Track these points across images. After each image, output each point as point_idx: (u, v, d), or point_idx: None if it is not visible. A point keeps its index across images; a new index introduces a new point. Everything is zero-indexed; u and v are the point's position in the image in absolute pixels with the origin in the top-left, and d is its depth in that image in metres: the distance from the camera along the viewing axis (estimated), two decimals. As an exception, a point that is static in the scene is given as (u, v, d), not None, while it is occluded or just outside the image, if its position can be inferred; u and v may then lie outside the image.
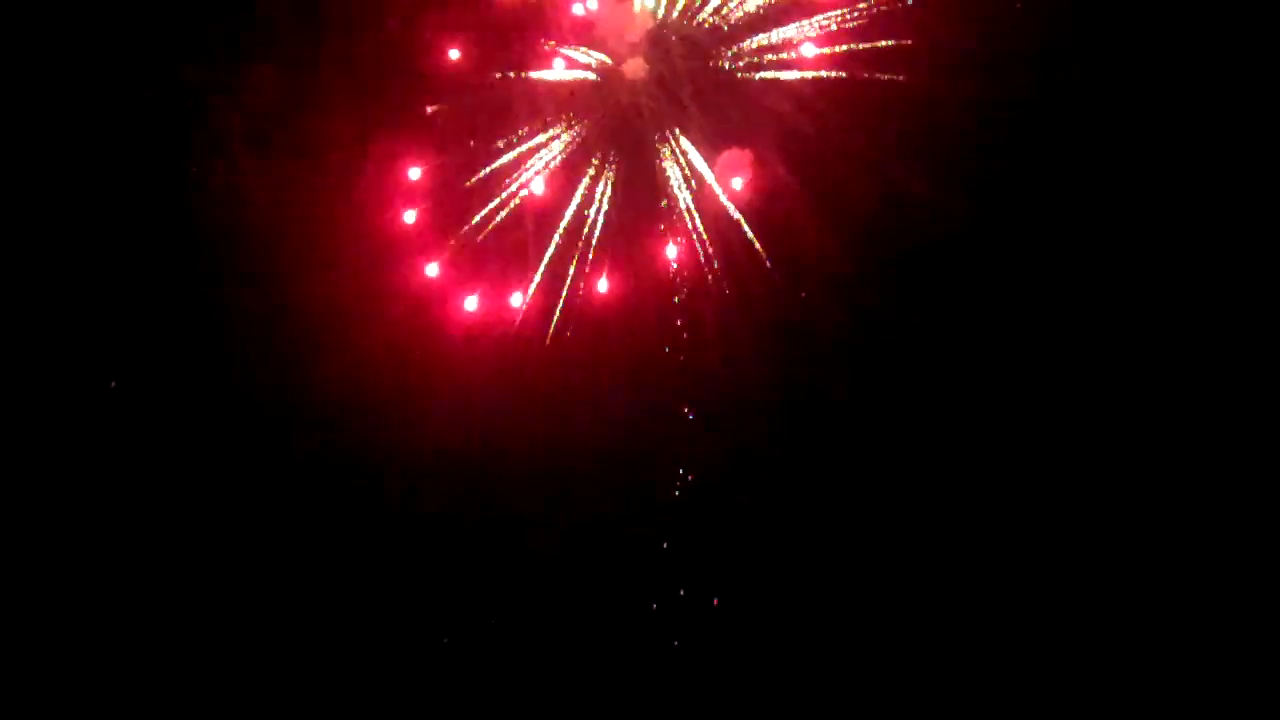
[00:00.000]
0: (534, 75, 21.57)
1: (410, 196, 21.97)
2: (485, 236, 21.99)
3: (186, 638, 20.73)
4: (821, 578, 19.92)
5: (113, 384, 21.89)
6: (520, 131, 21.63)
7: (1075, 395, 18.81)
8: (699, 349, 21.79)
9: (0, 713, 18.75)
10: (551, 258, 21.90)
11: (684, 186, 21.42)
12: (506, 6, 21.43)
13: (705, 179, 21.29)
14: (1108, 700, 17.58)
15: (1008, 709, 17.90)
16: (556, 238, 21.82)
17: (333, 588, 21.89)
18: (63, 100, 21.67)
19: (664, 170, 21.58)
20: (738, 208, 21.05)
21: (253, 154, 22.29)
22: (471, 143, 21.76)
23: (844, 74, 20.42)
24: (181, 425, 22.07)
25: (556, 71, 21.59)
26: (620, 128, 21.65)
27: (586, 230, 21.77)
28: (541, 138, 21.78)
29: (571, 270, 21.89)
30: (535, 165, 21.78)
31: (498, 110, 21.71)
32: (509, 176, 21.82)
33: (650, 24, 21.32)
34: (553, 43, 21.38)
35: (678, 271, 21.60)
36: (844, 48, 20.37)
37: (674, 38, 21.40)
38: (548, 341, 21.92)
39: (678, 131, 21.50)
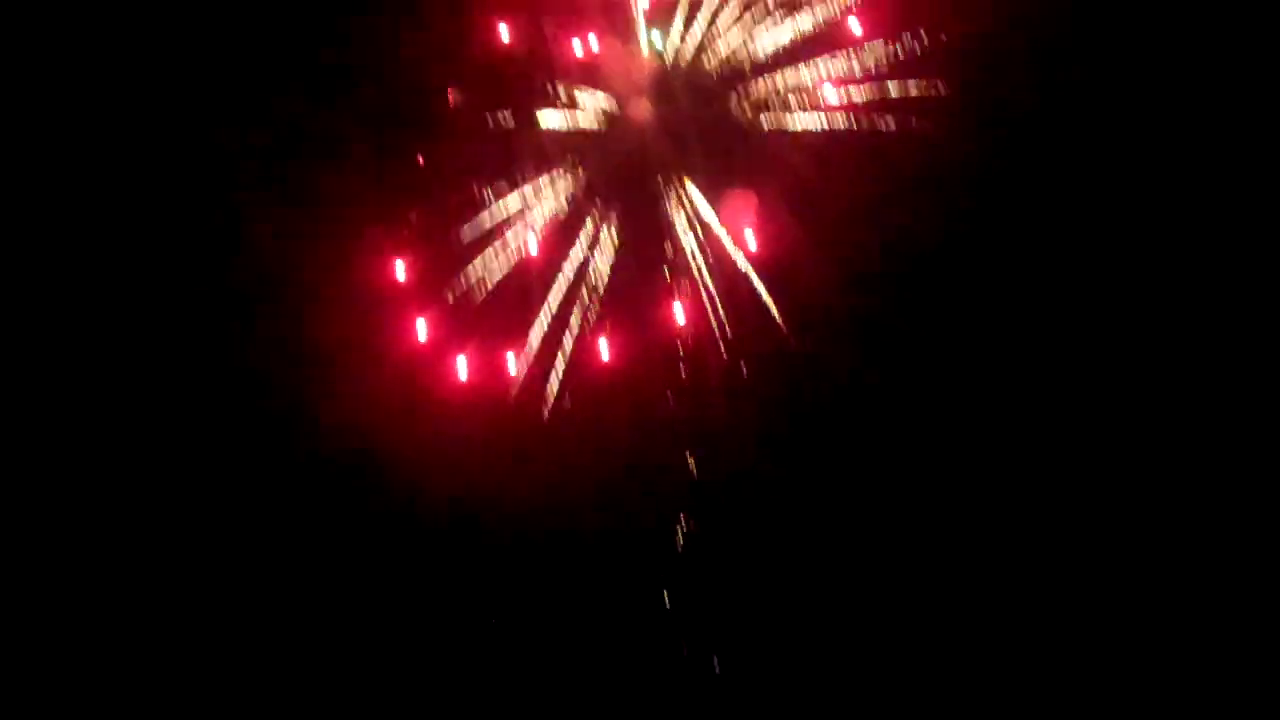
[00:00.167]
0: (535, 119, 20.10)
1: (400, 248, 20.49)
2: (479, 293, 20.25)
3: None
4: (825, 651, 19.19)
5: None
6: (519, 178, 20.22)
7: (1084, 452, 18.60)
8: (705, 418, 20.10)
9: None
10: (549, 316, 20.06)
11: (690, 237, 19.68)
12: (507, 49, 20.12)
13: (713, 229, 19.52)
14: (1107, 700, 17.52)
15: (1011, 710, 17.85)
16: (555, 294, 20.03)
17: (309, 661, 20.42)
18: (67, 139, 20.77)
19: (669, 219, 19.90)
20: (747, 259, 19.19)
21: (251, 200, 20.93)
22: (466, 190, 20.34)
23: (854, 120, 19.51)
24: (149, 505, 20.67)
25: (559, 116, 20.09)
26: (624, 174, 20.11)
27: (587, 286, 19.99)
28: (542, 184, 20.25)
29: (571, 330, 19.95)
30: (535, 215, 20.19)
31: (496, 156, 20.34)
32: (506, 227, 20.32)
33: (655, 67, 19.85)
34: (556, 86, 19.94)
35: (683, 331, 19.65)
36: (853, 93, 19.57)
37: (680, 82, 20.15)
38: (545, 412, 19.93)
39: (685, 179, 19.78)
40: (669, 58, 20.18)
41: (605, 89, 20.20)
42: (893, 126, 19.28)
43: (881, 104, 19.34)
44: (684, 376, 20.09)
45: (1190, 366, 18.34)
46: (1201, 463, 17.95)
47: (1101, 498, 18.33)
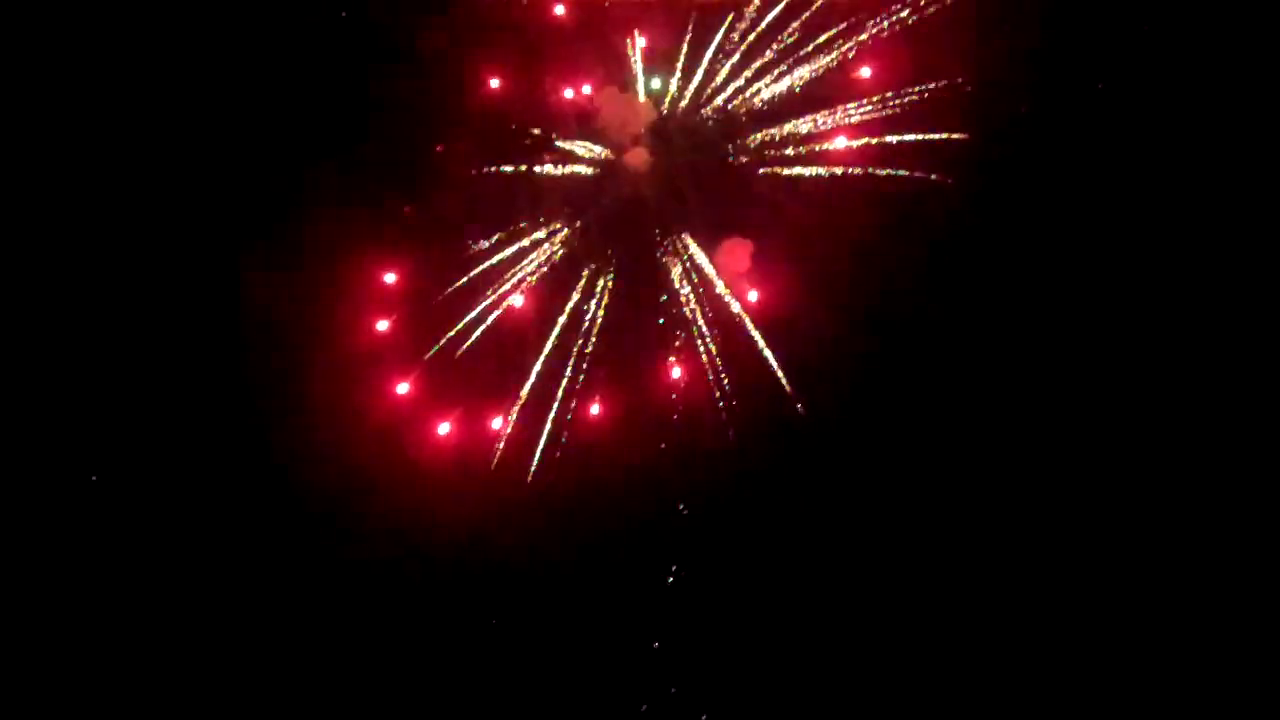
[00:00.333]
0: (530, 168, 19.20)
1: (387, 299, 19.46)
2: (466, 349, 19.08)
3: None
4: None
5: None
6: (511, 229, 19.24)
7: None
8: (700, 482, 18.72)
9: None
10: (539, 374, 18.97)
11: (688, 289, 18.53)
12: (503, 97, 19.34)
13: (710, 280, 18.43)
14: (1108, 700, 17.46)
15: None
16: (545, 348, 18.88)
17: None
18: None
19: (666, 271, 18.87)
20: (746, 312, 18.02)
21: (241, 252, 19.97)
22: (456, 242, 19.38)
23: (855, 170, 18.74)
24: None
25: (554, 164, 19.20)
26: (620, 224, 19.10)
27: (579, 340, 18.78)
28: (537, 236, 19.31)
29: (560, 387, 18.72)
30: (526, 269, 19.11)
31: (489, 206, 19.44)
32: (497, 279, 19.29)
33: (653, 115, 18.99)
34: (551, 134, 19.07)
35: (679, 387, 18.35)
36: (855, 143, 18.82)
37: (678, 130, 19.34)
38: (529, 477, 18.60)
39: (682, 229, 18.74)
40: (667, 105, 19.35)
41: (602, 137, 19.34)
42: (894, 177, 18.62)
43: (882, 154, 18.67)
44: (678, 437, 18.82)
45: (1194, 383, 18.20)
46: (1201, 463, 17.80)
47: (1108, 518, 18.08)
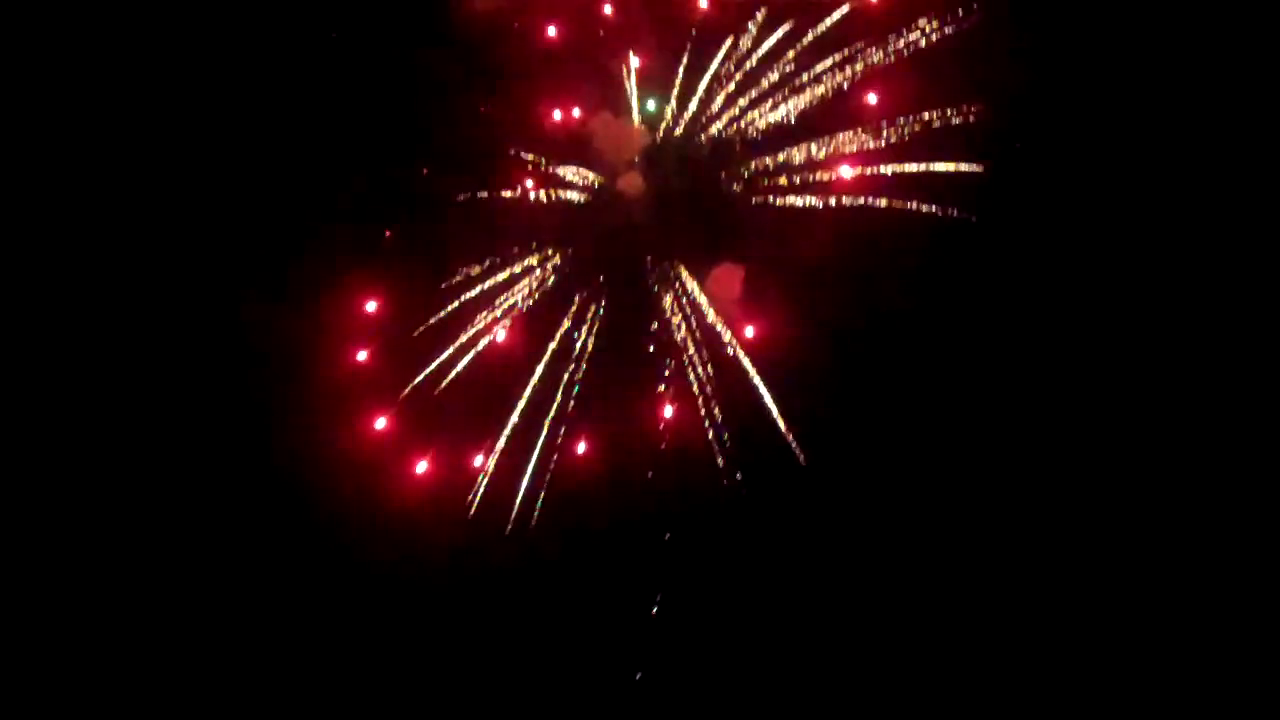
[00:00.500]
0: (517, 194, 18.34)
1: (365, 332, 18.54)
2: (447, 383, 18.06)
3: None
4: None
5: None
6: (497, 258, 18.37)
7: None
8: (692, 531, 17.77)
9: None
10: (524, 409, 18.04)
11: (680, 323, 17.61)
12: (490, 119, 18.53)
13: (704, 314, 17.56)
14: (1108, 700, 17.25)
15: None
16: (531, 383, 18.06)
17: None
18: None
19: (658, 303, 17.99)
20: (741, 347, 17.04)
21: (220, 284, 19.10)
22: (439, 272, 18.44)
23: (856, 200, 18.01)
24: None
25: (542, 190, 18.39)
26: (611, 253, 18.25)
27: (566, 375, 17.83)
28: (524, 264, 18.54)
29: (545, 425, 17.95)
30: (513, 298, 18.20)
31: (474, 233, 18.54)
32: (482, 311, 18.33)
33: (647, 139, 18.20)
34: (541, 159, 18.21)
35: (670, 426, 17.33)
36: (855, 172, 18.11)
37: (673, 155, 18.57)
38: (510, 520, 17.64)
39: (676, 259, 17.83)
40: (662, 130, 18.54)
41: (594, 162, 18.51)
42: (895, 207, 17.93)
43: (888, 184, 17.97)
44: (670, 478, 17.83)
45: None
46: (1201, 463, 17.59)
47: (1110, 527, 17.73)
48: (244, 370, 18.81)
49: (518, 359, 18.18)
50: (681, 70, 18.37)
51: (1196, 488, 17.50)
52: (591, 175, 18.50)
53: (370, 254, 18.75)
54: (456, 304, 18.44)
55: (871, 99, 18.26)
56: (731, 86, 18.41)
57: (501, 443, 18.07)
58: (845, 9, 18.45)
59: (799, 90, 18.31)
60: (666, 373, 17.77)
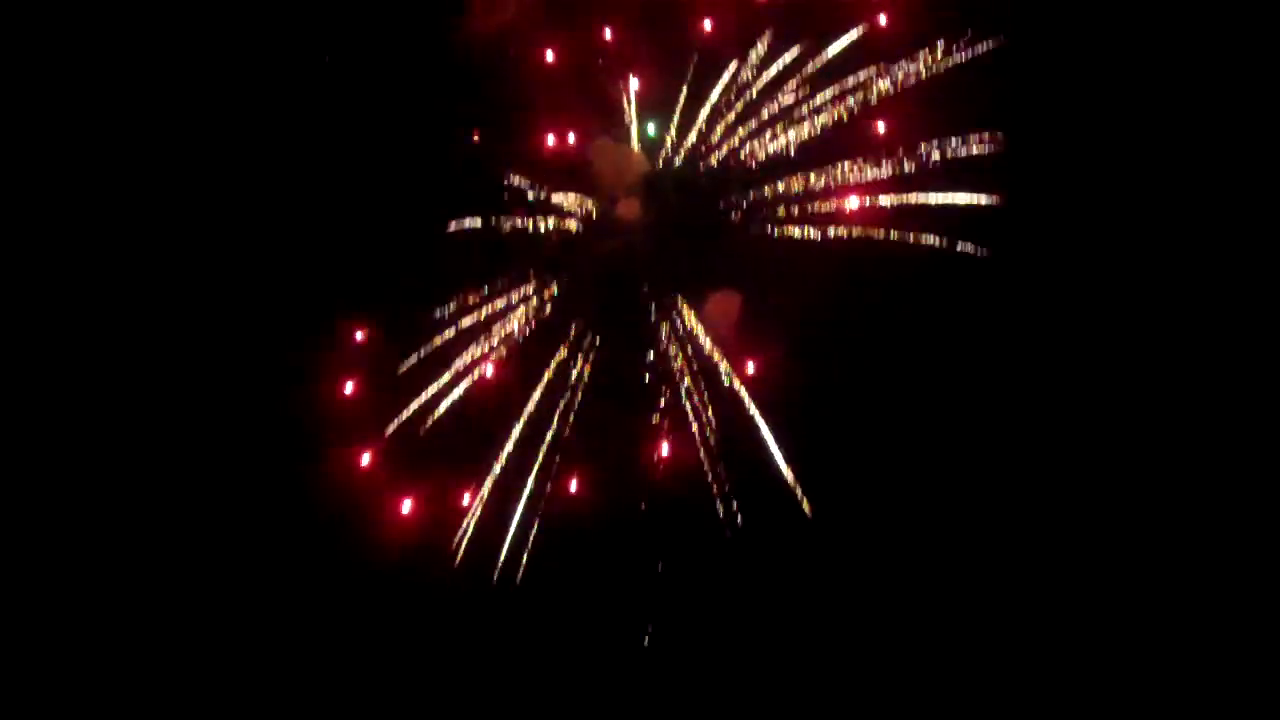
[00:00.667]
0: (512, 222, 17.69)
1: (351, 363, 17.83)
2: (436, 418, 17.42)
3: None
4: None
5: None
6: (491, 287, 17.73)
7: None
8: (689, 573, 16.96)
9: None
10: (514, 447, 17.27)
11: (679, 359, 16.79)
12: (484, 145, 17.91)
13: (704, 348, 16.77)
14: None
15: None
16: (520, 421, 17.32)
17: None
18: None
19: (656, 337, 17.11)
20: (743, 383, 16.18)
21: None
22: (432, 300, 17.73)
23: (868, 231, 17.32)
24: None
25: (536, 217, 17.70)
26: (607, 284, 17.45)
27: (558, 413, 17.12)
28: (518, 294, 17.84)
29: (535, 467, 17.20)
30: (505, 330, 17.47)
31: (467, 262, 17.87)
32: (473, 343, 17.65)
33: (646, 167, 17.60)
34: (537, 185, 17.54)
35: (667, 466, 16.60)
36: (862, 202, 17.44)
37: (673, 182, 17.90)
38: (496, 571, 16.73)
39: (675, 290, 17.03)
40: (662, 155, 17.88)
41: (591, 188, 17.84)
42: (901, 240, 17.22)
43: (890, 215, 17.30)
44: (666, 522, 16.93)
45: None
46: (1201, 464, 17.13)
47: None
48: (222, 404, 18.07)
49: (509, 392, 17.37)
50: (683, 94, 17.73)
51: (1220, 528, 16.91)
52: (589, 202, 17.81)
53: (358, 282, 17.95)
54: (448, 334, 17.70)
55: (880, 127, 17.62)
56: (734, 113, 17.76)
57: (490, 482, 17.16)
58: (854, 34, 17.80)
59: (804, 117, 17.65)
60: (662, 402, 16.93)
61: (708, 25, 17.91)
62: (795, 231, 17.32)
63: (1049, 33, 18.03)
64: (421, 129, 18.24)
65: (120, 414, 18.26)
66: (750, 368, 16.80)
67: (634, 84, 17.70)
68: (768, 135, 17.67)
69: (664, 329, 17.23)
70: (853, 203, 17.18)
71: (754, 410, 16.48)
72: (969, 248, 17.19)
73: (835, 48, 17.79)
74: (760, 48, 17.77)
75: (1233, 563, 16.75)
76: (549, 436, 17.19)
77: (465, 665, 17.44)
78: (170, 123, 18.63)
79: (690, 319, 16.99)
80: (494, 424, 17.36)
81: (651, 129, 17.74)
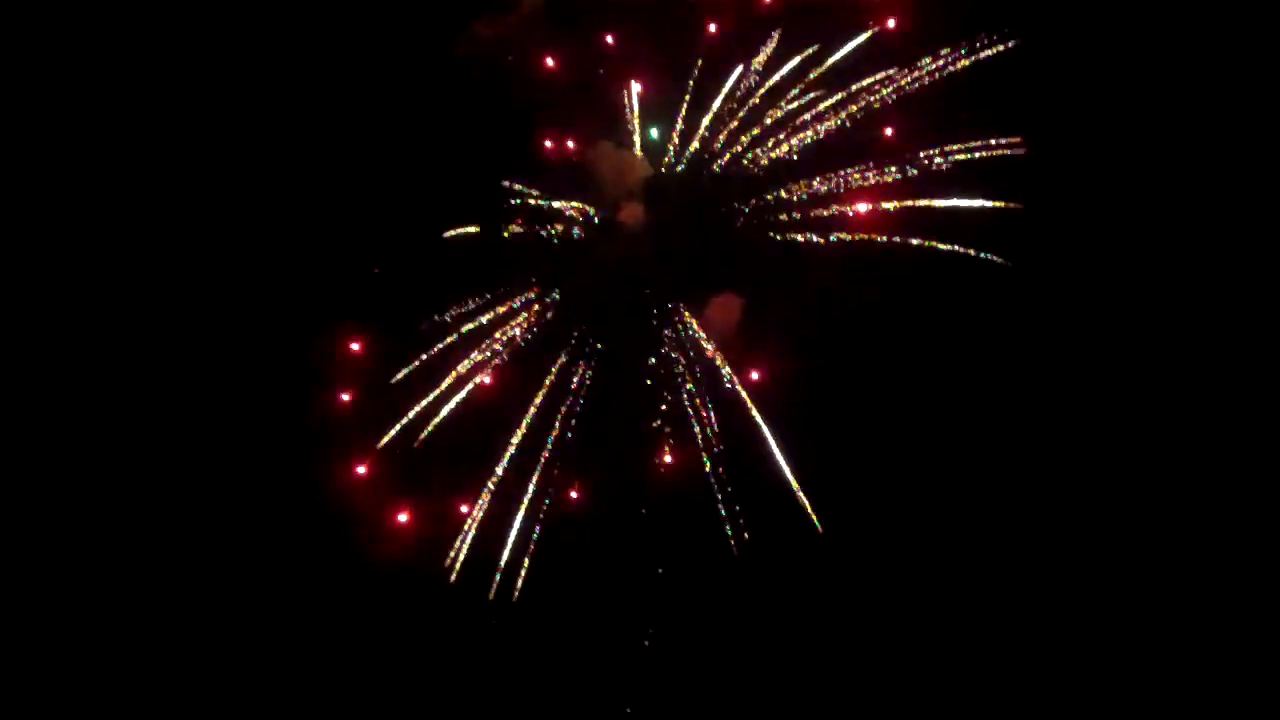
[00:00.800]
0: (512, 226, 17.31)
1: (349, 372, 17.49)
2: (434, 426, 16.96)
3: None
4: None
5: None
6: (492, 294, 17.32)
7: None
8: (690, 582, 16.41)
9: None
10: (514, 455, 16.80)
11: (682, 365, 16.33)
12: (487, 148, 17.64)
13: (708, 353, 16.23)
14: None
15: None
16: (521, 429, 16.85)
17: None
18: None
19: (658, 343, 16.65)
20: (747, 390, 15.68)
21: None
22: (431, 308, 17.35)
23: (871, 237, 16.83)
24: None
25: (541, 223, 17.30)
26: (609, 290, 17.01)
27: (560, 418, 16.66)
28: (519, 301, 17.43)
29: (535, 476, 16.68)
30: (506, 336, 17.08)
31: (468, 268, 17.54)
32: (473, 350, 17.26)
33: (649, 171, 17.17)
34: (539, 190, 17.18)
35: (670, 474, 16.02)
36: (870, 208, 16.94)
37: (676, 187, 17.47)
38: (494, 581, 16.33)
39: (678, 295, 16.57)
40: (666, 160, 17.48)
41: (593, 193, 17.49)
42: (910, 245, 16.73)
43: (909, 221, 16.80)
44: (668, 534, 16.36)
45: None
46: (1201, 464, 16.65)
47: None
48: (219, 411, 17.69)
49: (510, 399, 16.90)
50: (687, 98, 17.38)
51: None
52: (591, 207, 17.41)
53: (357, 290, 17.62)
54: (448, 341, 17.27)
55: (888, 132, 17.21)
56: (740, 116, 17.40)
57: (490, 489, 16.68)
58: (862, 38, 17.48)
59: (810, 121, 17.27)
60: (663, 407, 16.43)
61: (712, 28, 17.62)
62: (801, 237, 16.89)
63: (1066, 33, 17.64)
64: (421, 134, 17.95)
65: (111, 420, 17.91)
66: (755, 375, 16.29)
67: (636, 88, 17.37)
68: (773, 140, 17.30)
69: (667, 334, 16.79)
70: (860, 208, 16.72)
71: (758, 416, 15.97)
72: (982, 254, 16.70)
73: (843, 50, 17.43)
74: (766, 51, 17.44)
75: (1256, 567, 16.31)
76: (549, 444, 16.72)
77: (461, 679, 16.91)
78: (166, 129, 18.46)
79: (693, 324, 16.53)
80: (495, 431, 16.90)
81: (654, 133, 17.41)
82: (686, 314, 16.70)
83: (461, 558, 16.51)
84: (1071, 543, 16.54)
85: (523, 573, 16.36)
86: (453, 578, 16.50)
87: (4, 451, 17.49)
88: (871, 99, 17.24)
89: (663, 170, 17.40)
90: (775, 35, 17.46)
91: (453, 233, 17.34)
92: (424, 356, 17.14)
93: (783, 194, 16.95)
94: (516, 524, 16.47)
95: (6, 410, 17.68)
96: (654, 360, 16.58)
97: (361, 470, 17.06)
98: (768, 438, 15.92)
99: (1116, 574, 16.46)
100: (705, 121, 17.39)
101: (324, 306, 17.55)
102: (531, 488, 16.52)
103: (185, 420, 17.83)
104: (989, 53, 17.24)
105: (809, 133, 17.25)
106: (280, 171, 17.92)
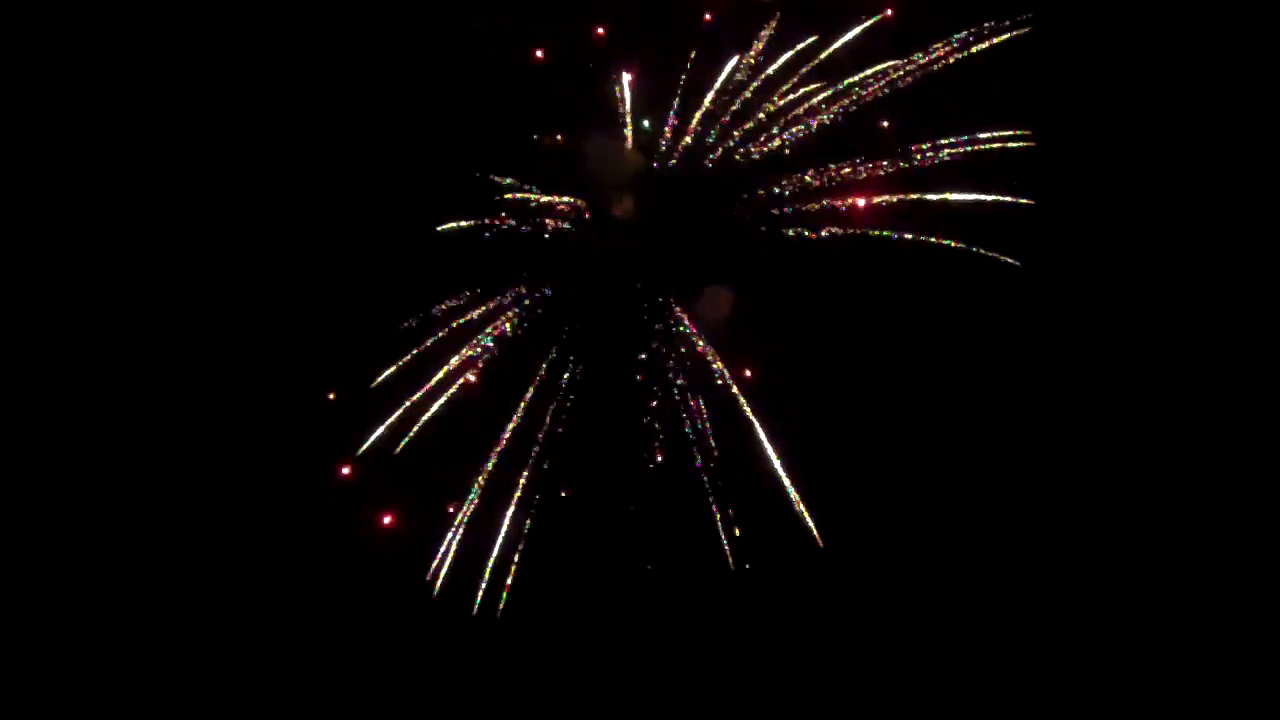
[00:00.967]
0: (502, 223, 16.83)
1: (335, 369, 17.07)
2: (420, 426, 16.45)
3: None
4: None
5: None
6: (479, 290, 16.85)
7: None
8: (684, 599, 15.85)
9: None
10: (501, 453, 16.30)
11: (674, 363, 15.75)
12: (473, 139, 17.19)
13: (701, 352, 15.54)
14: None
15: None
16: (510, 427, 16.33)
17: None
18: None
19: (650, 340, 16.32)
20: (740, 386, 15.12)
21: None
22: (420, 303, 16.84)
23: (866, 232, 16.34)
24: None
25: (529, 217, 16.81)
26: (600, 285, 16.56)
27: (548, 418, 16.26)
28: (507, 297, 16.93)
29: (521, 481, 16.18)
30: (495, 332, 16.69)
31: (454, 264, 17.03)
32: (461, 348, 16.72)
33: (641, 164, 16.76)
34: (528, 183, 16.69)
35: (661, 472, 15.66)
36: (866, 202, 16.44)
37: (669, 180, 16.99)
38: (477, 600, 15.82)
39: (669, 289, 16.01)
40: (659, 152, 17.00)
41: (584, 185, 16.97)
42: (904, 239, 16.23)
43: (900, 216, 16.28)
44: (658, 539, 15.90)
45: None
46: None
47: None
48: (199, 413, 17.35)
49: (498, 397, 16.40)
50: (682, 86, 16.89)
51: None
52: (582, 201, 16.91)
53: (342, 285, 17.22)
54: (435, 339, 16.81)
55: (885, 124, 16.71)
56: (734, 109, 16.88)
57: (477, 490, 16.18)
58: (862, 27, 16.90)
59: (807, 113, 16.70)
60: (653, 404, 15.86)
61: (708, 17, 17.11)
62: (797, 231, 16.36)
63: (1078, 16, 17.02)
64: (407, 127, 17.56)
65: (80, 424, 17.56)
66: (748, 373, 15.71)
67: (628, 78, 16.87)
68: (771, 132, 16.75)
69: (659, 333, 16.27)
70: (862, 203, 16.12)
71: (752, 417, 15.35)
72: (991, 253, 16.05)
73: (844, 39, 16.86)
74: (763, 40, 16.89)
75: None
76: (537, 441, 16.22)
77: (446, 688, 16.42)
78: (139, 126, 18.07)
79: (687, 322, 16.00)
80: (482, 429, 16.41)
81: (647, 124, 16.92)
82: (679, 307, 16.16)
83: (448, 562, 16.03)
84: (1088, 555, 15.95)
85: (509, 580, 15.85)
86: (438, 585, 16.02)
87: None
88: (872, 88, 16.64)
89: (655, 163, 16.88)
90: (773, 23, 16.91)
91: (441, 228, 16.88)
92: (411, 354, 16.73)
93: (780, 188, 16.39)
94: (505, 524, 15.98)
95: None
96: (644, 356, 16.04)
97: (345, 471, 16.65)
98: (761, 439, 15.35)
99: (1134, 587, 15.85)
100: (699, 113, 16.87)
101: (306, 303, 17.29)
102: (518, 489, 16.02)
103: (161, 421, 17.53)
104: (996, 40, 16.63)
105: (807, 124, 16.69)
106: (258, 168, 17.56)
